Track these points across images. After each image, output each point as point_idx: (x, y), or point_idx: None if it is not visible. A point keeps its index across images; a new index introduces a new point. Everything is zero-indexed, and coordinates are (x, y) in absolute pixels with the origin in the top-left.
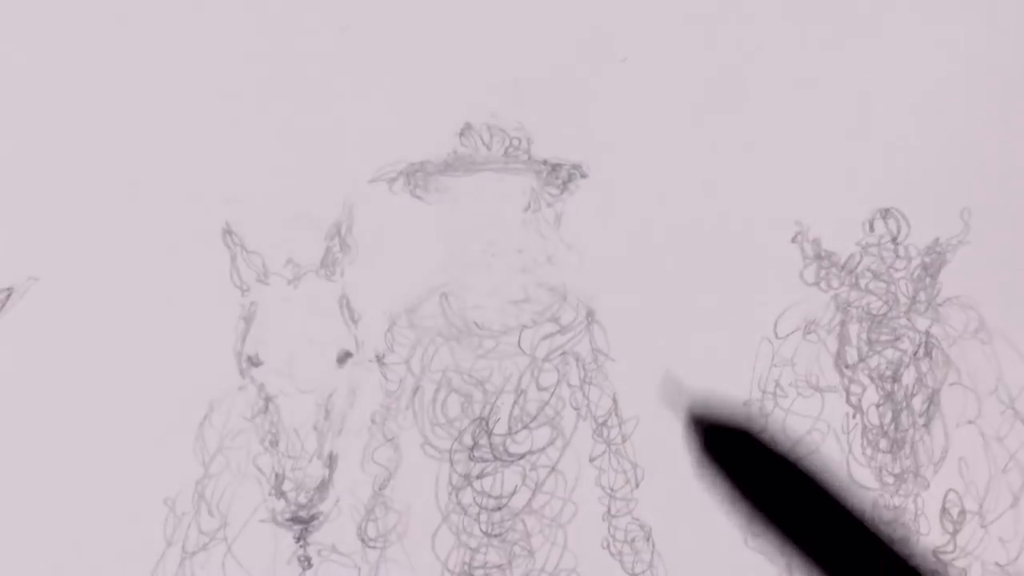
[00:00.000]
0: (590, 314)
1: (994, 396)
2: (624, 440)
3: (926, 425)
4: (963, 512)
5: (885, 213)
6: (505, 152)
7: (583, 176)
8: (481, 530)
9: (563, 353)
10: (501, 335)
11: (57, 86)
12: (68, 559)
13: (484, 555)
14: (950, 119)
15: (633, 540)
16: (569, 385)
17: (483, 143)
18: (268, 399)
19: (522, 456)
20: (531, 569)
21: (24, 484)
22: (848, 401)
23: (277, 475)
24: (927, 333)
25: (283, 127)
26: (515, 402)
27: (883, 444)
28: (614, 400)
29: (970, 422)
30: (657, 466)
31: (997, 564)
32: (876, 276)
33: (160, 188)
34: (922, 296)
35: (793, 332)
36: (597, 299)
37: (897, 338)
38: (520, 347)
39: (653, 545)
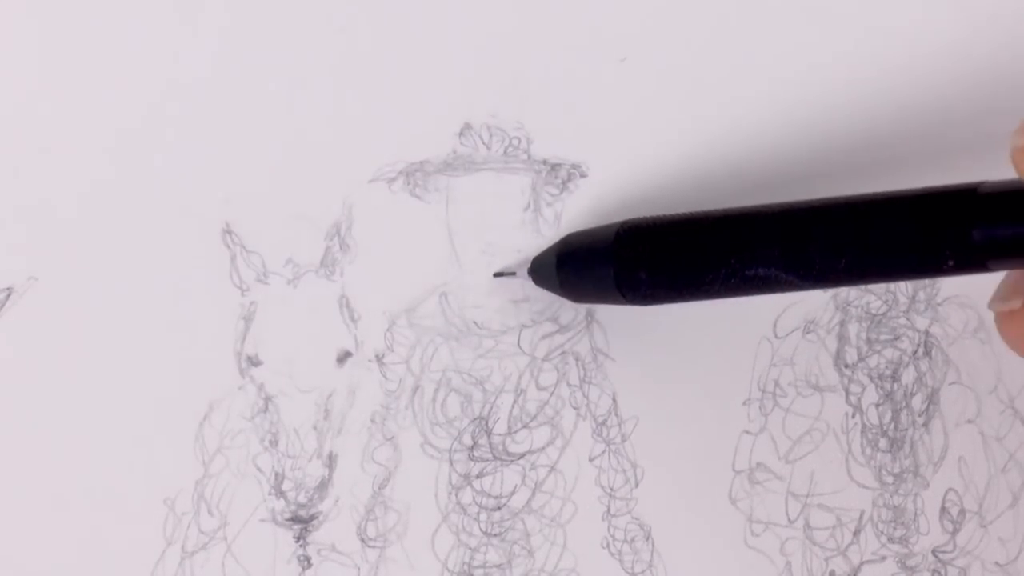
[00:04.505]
0: (590, 314)
1: (993, 396)
2: (624, 440)
3: (925, 424)
4: (963, 512)
5: None
6: (505, 152)
7: (583, 176)
8: (481, 530)
9: (563, 352)
10: (501, 335)
11: (56, 85)
12: (67, 559)
13: (484, 555)
14: (948, 119)
15: (633, 540)
16: (569, 385)
17: (483, 143)
18: (268, 399)
19: (522, 456)
20: (531, 568)
21: (23, 484)
22: (847, 401)
23: (277, 475)
24: (926, 332)
25: (283, 127)
26: (515, 402)
27: (882, 444)
28: (614, 400)
29: (969, 421)
30: (657, 466)
31: (997, 564)
32: None
33: (160, 188)
34: (921, 296)
35: (792, 332)
36: None
37: (897, 338)
38: (520, 347)
39: (653, 545)
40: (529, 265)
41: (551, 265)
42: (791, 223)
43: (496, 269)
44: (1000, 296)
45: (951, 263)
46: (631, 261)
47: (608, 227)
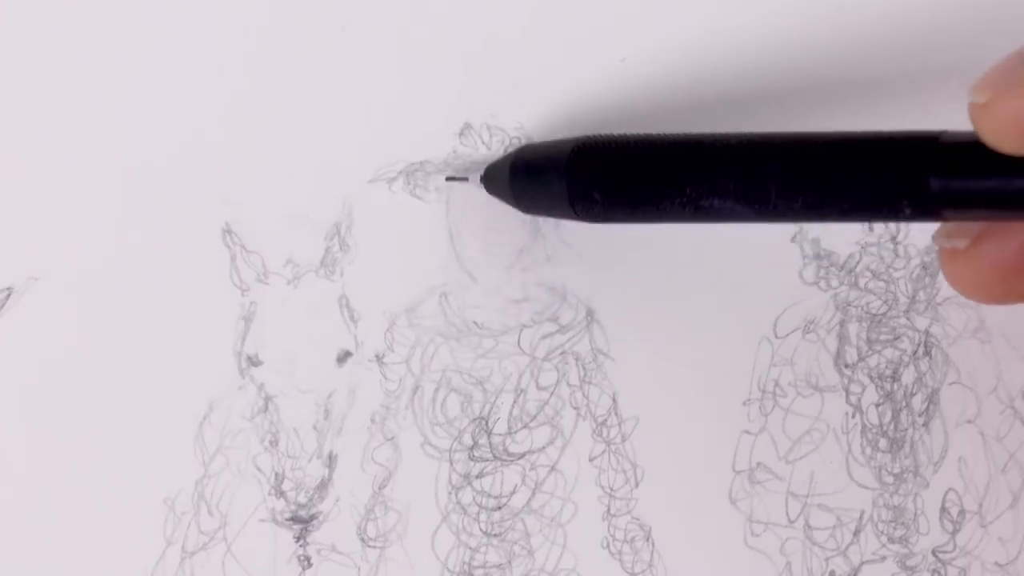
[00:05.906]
0: (590, 314)
1: (994, 396)
2: (624, 440)
3: (925, 425)
4: (963, 512)
5: None
6: (505, 152)
7: None
8: (481, 530)
9: (563, 352)
10: (501, 335)
11: (56, 85)
12: (67, 559)
13: (484, 555)
14: (947, 119)
15: (633, 540)
16: (569, 385)
17: (483, 143)
18: (268, 399)
19: (522, 456)
20: (531, 569)
21: (23, 483)
22: (848, 401)
23: (277, 475)
24: (927, 332)
25: (283, 127)
26: (515, 402)
27: (882, 444)
28: (614, 400)
29: (969, 422)
30: (657, 466)
31: (997, 564)
32: (875, 275)
33: (160, 188)
34: (921, 296)
35: (792, 332)
36: (597, 299)
37: (896, 337)
38: (520, 347)
39: (653, 545)
40: (482, 172)
41: (505, 174)
42: (750, 157)
43: (496, 269)
44: (946, 232)
45: (908, 211)
46: (585, 179)
47: (565, 142)
